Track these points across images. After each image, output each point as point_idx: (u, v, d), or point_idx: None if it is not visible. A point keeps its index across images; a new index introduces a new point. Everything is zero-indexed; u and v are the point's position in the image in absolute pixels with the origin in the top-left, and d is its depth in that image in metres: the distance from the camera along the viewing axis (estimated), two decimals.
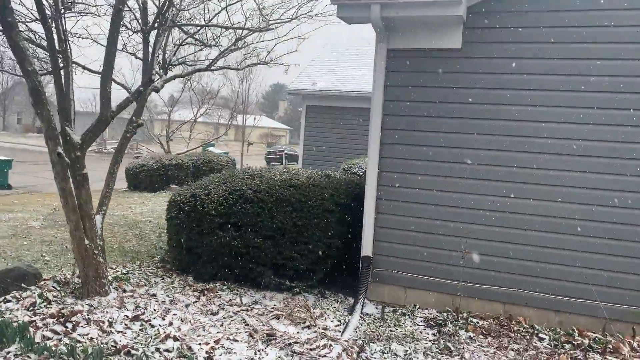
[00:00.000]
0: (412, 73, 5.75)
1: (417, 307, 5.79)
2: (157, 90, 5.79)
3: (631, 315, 5.11)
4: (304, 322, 5.06)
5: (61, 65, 5.27)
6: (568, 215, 5.26)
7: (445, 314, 5.56)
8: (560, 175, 5.28)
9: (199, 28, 6.77)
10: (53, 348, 4.09)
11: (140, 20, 6.00)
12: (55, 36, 5.17)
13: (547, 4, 5.24)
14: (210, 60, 6.96)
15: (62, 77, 5.30)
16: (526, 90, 5.36)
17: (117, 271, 6.45)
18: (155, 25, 5.99)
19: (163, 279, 6.44)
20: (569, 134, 5.24)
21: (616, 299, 5.17)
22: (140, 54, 6.41)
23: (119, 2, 5.18)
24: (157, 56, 5.87)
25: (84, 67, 6.37)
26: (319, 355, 4.35)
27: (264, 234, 6.09)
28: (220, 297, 5.87)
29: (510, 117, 5.43)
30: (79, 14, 6.08)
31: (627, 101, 5.07)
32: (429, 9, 5.27)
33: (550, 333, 5.21)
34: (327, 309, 5.67)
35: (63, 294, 5.50)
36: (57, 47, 5.19)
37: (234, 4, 6.72)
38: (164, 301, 5.62)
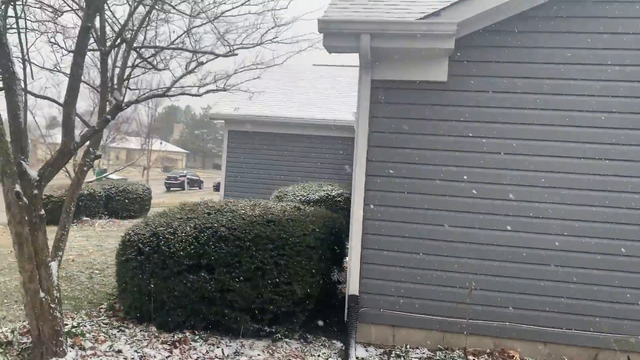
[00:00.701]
0: (397, 105, 5.62)
1: (408, 346, 5.57)
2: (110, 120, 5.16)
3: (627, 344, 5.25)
4: None
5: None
6: (550, 246, 5.35)
7: (439, 353, 5.39)
8: (541, 207, 5.36)
9: (155, 51, 6.20)
10: None
11: (98, 42, 5.35)
12: None
13: (530, 41, 5.37)
14: (166, 87, 6.39)
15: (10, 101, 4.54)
16: (510, 124, 5.42)
17: (66, 324, 5.61)
18: (117, 44, 5.37)
19: (121, 330, 5.69)
20: (554, 167, 5.36)
21: (609, 328, 5.29)
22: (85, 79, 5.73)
23: (87, 18, 4.55)
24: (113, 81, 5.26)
25: (38, 96, 5.56)
26: None
27: (241, 275, 5.59)
28: (195, 349, 5.27)
29: (494, 150, 5.45)
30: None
31: (615, 147, 5.29)
32: (420, 41, 5.19)
33: None
34: (317, 356, 5.28)
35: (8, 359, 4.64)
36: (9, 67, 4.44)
37: (198, 26, 6.24)
38: (134, 358, 4.93)
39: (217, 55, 6.37)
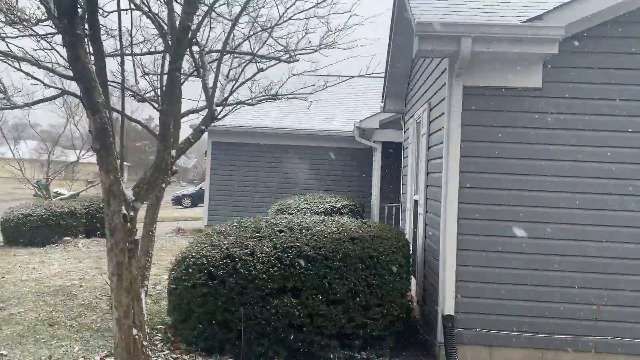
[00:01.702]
0: (491, 112, 5.36)
1: None
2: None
3: None
4: None
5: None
6: None
7: None
8: None
9: (220, 56, 5.67)
10: None
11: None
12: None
13: (630, 47, 5.25)
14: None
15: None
16: (611, 131, 5.27)
17: None
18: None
19: None
20: None
21: None
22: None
23: (186, 17, 4.02)
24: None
25: (142, 98, 4.91)
26: None
27: (331, 298, 5.14)
28: None
29: (592, 159, 5.28)
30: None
31: None
32: (523, 45, 4.95)
33: None
34: None
35: None
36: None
37: (258, 32, 5.78)
38: None
39: (280, 61, 5.93)
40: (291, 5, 5.65)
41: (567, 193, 5.27)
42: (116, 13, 4.50)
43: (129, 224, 3.70)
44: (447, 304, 5.30)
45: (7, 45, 4.43)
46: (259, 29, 5.93)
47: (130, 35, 4.64)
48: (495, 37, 4.92)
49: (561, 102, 5.31)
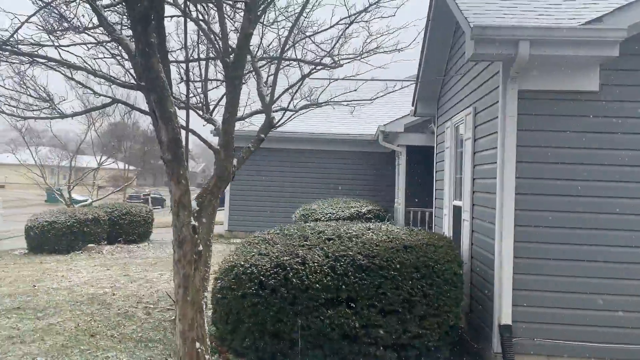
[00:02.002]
0: (546, 117, 5.24)
1: None
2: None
3: None
4: None
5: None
6: None
7: None
8: None
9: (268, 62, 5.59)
10: None
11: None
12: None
13: None
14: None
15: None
16: None
17: None
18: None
19: None
20: None
21: None
22: None
23: (248, 25, 3.93)
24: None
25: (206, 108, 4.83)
26: None
27: (385, 308, 5.03)
28: None
29: None
30: None
31: None
32: (582, 48, 4.83)
33: None
34: None
35: None
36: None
37: (302, 39, 5.70)
38: None
39: (325, 66, 5.83)
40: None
41: (628, 199, 5.13)
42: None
43: (196, 235, 3.61)
44: (504, 313, 5.17)
45: (59, 54, 4.35)
46: (302, 35, 5.82)
47: (185, 42, 4.52)
48: (555, 40, 4.81)
49: (619, 105, 5.18)
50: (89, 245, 13.37)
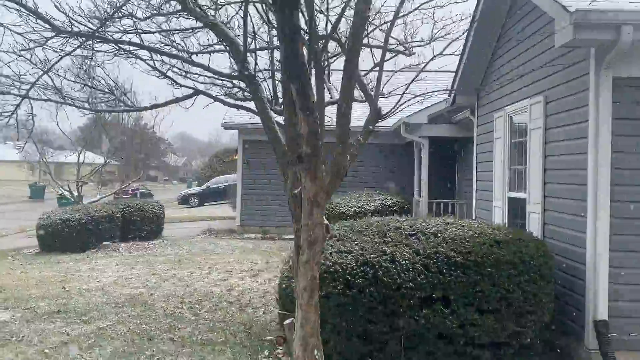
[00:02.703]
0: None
1: None
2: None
3: None
4: None
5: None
6: None
7: None
8: None
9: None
10: None
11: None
12: None
13: None
14: None
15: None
16: None
17: None
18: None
19: None
20: None
21: None
22: None
23: (365, 7, 3.64)
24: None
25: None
26: None
27: (483, 307, 4.82)
28: None
29: None
30: None
31: None
32: None
33: None
34: None
35: None
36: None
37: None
38: None
39: (398, 53, 5.57)
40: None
41: None
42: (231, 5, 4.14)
43: (329, 234, 3.34)
44: (600, 309, 5.00)
45: (141, 41, 4.02)
46: (379, 21, 5.56)
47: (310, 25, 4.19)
48: None
49: None
50: (104, 243, 12.96)
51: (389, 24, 5.06)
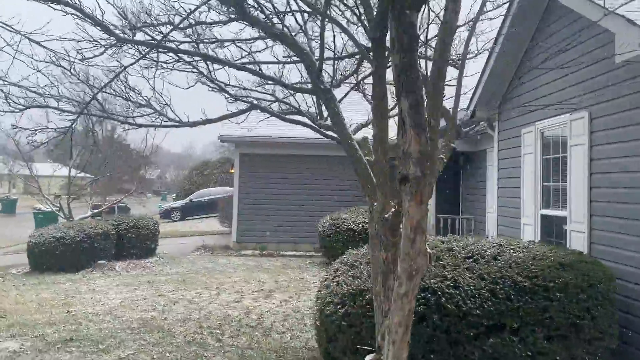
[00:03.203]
0: None
1: None
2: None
3: None
4: None
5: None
6: None
7: None
8: None
9: None
10: None
11: None
12: None
13: None
14: None
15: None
16: None
17: None
18: None
19: None
20: None
21: None
22: None
23: (454, 17, 3.38)
24: None
25: None
26: None
27: (551, 334, 4.55)
28: None
29: None
30: None
31: None
32: None
33: None
34: None
35: None
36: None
37: None
38: None
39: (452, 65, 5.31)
40: None
41: None
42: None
43: (432, 264, 3.03)
44: None
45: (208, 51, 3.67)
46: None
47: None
48: None
49: None
50: (99, 262, 12.37)
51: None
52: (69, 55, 4.03)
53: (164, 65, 3.72)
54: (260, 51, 4.57)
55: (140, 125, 4.15)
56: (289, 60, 4.28)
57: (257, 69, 3.73)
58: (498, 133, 9.04)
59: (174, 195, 52.08)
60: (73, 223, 12.88)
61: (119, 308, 8.49)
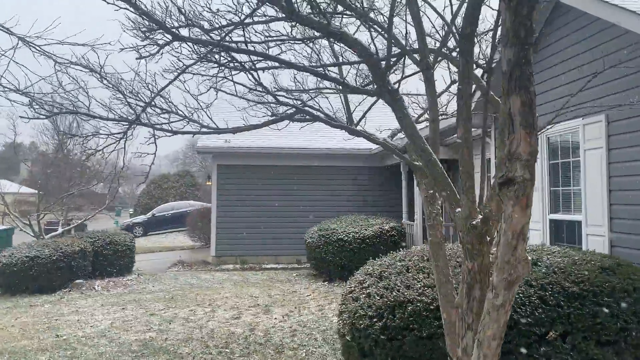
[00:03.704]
0: None
1: None
2: None
3: None
4: None
5: None
6: None
7: None
8: None
9: None
10: None
11: None
12: None
13: None
14: None
15: None
16: None
17: None
18: None
19: None
20: None
21: None
22: None
23: None
24: None
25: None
26: None
27: (601, 339, 4.47)
28: None
29: None
30: None
31: None
32: None
33: None
34: None
35: None
36: None
37: None
38: None
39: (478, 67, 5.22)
40: None
41: None
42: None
43: (531, 273, 2.87)
44: None
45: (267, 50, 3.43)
46: None
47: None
48: None
49: None
50: (77, 281, 11.71)
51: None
52: (98, 57, 3.70)
53: (223, 66, 3.42)
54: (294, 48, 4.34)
55: (175, 132, 3.84)
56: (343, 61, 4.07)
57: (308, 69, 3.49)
58: (495, 140, 9.06)
59: (131, 210, 50.47)
60: (47, 241, 12.15)
61: (111, 329, 7.99)
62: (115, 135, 3.40)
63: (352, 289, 5.63)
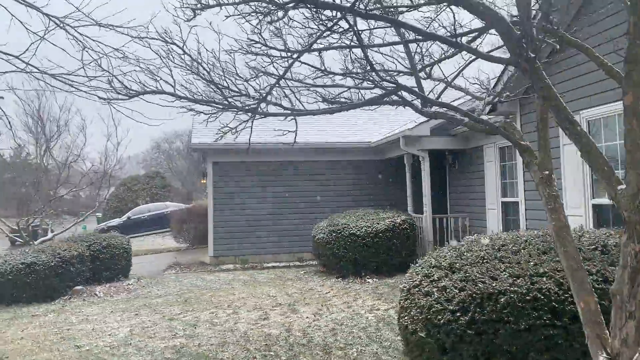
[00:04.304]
0: None
1: None
2: None
3: None
4: None
5: None
6: None
7: None
8: None
9: None
10: None
11: None
12: None
13: None
14: None
15: None
16: None
17: None
18: None
19: None
20: None
21: None
22: None
23: None
24: None
25: None
26: None
27: None
28: None
29: None
30: None
31: None
32: None
33: None
34: None
35: None
36: None
37: None
38: None
39: None
40: None
41: None
42: None
43: None
44: None
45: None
46: None
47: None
48: None
49: None
50: (76, 288, 11.04)
51: None
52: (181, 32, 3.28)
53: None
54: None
55: (266, 114, 3.46)
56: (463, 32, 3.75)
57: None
58: (521, 126, 8.90)
59: (98, 214, 48.86)
60: (43, 246, 11.43)
61: (133, 337, 7.47)
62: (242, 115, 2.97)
63: (418, 282, 5.33)
